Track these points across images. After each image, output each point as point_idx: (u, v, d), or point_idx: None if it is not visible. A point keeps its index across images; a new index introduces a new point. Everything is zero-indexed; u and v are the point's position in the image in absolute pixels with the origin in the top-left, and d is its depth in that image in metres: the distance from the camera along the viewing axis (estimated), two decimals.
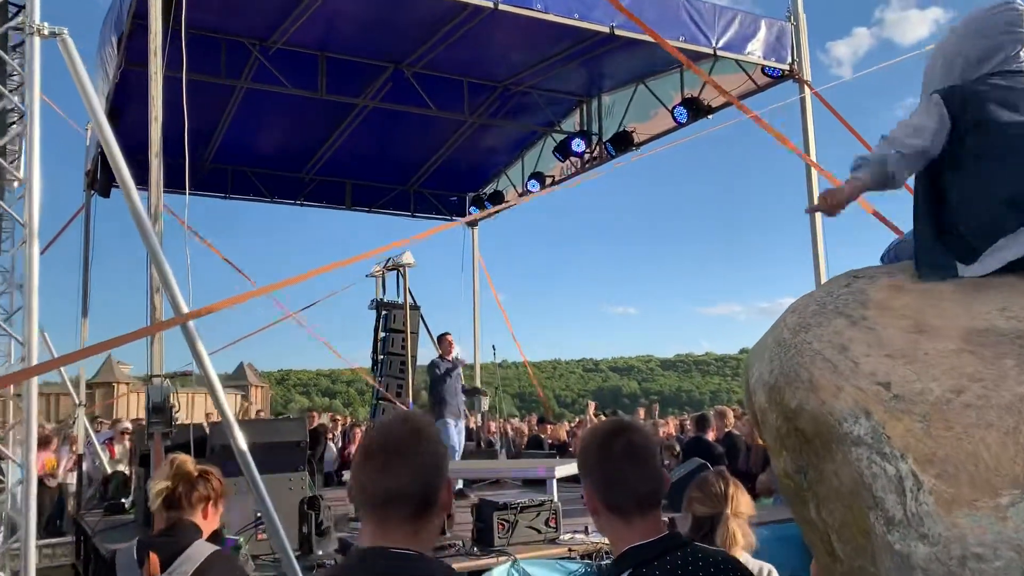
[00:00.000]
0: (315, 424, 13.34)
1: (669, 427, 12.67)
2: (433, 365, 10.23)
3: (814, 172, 7.99)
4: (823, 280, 7.92)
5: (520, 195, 12.75)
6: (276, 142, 12.19)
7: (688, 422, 14.18)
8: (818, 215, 7.93)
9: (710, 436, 9.34)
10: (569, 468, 8.60)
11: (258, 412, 20.00)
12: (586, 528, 6.21)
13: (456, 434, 10.23)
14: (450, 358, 10.27)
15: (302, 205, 13.38)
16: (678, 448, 10.33)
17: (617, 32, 7.21)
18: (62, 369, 12.00)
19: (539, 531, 6.12)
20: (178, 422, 5.52)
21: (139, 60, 7.19)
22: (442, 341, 10.39)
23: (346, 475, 9.57)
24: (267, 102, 10.81)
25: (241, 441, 4.45)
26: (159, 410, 5.14)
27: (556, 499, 6.53)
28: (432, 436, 1.72)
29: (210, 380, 4.48)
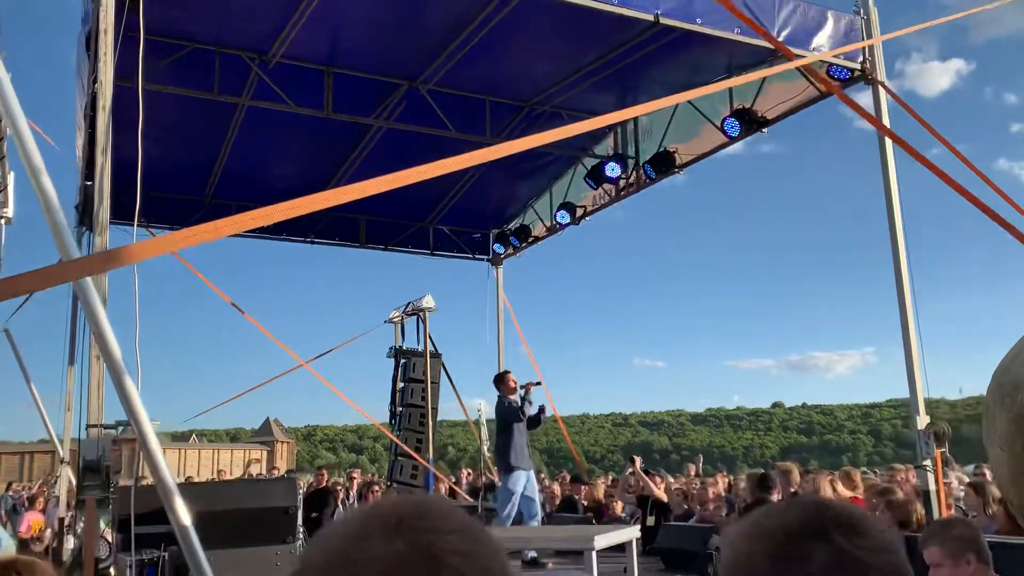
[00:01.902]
0: (324, 483, 12.14)
1: (718, 486, 11.26)
2: (504, 402, 8.70)
3: (896, 203, 6.80)
4: (912, 327, 6.66)
5: (548, 228, 11.66)
6: (283, 175, 11.25)
7: (742, 481, 12.78)
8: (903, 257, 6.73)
9: (774, 498, 8.01)
10: (612, 537, 7.33)
11: (272, 469, 18.77)
12: None
13: (534, 489, 8.68)
14: (515, 398, 8.77)
15: (313, 243, 12.39)
16: (725, 512, 9.03)
17: (663, 21, 6.15)
18: (48, 421, 11.02)
19: None
20: (119, 484, 4.39)
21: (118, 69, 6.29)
22: (506, 380, 8.84)
23: None
24: (272, 130, 9.92)
25: (181, 513, 3.29)
26: (93, 469, 4.00)
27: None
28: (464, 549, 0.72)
29: (135, 418, 3.33)
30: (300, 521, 5.67)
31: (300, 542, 5.98)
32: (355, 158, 10.68)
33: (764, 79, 8.26)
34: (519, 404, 8.55)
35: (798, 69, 7.90)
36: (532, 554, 7.96)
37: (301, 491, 7.08)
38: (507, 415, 8.58)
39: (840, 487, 8.95)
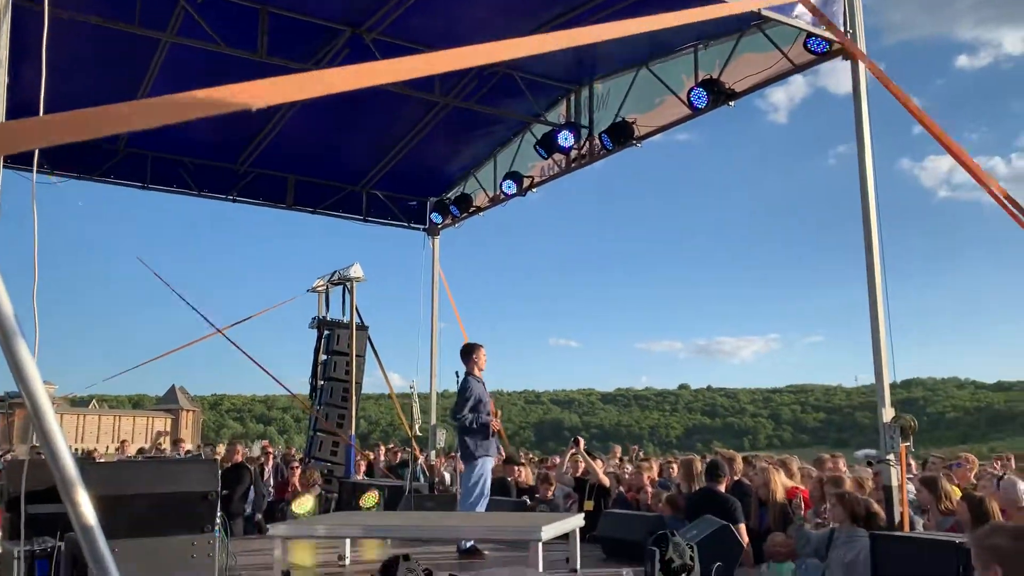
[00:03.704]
0: (239, 458, 11.28)
1: (652, 470, 10.94)
2: (471, 382, 7.97)
3: (870, 185, 6.47)
4: (882, 318, 6.35)
5: (491, 199, 11.08)
6: (206, 124, 10.31)
7: (675, 465, 12.52)
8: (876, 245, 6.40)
9: (722, 487, 7.71)
10: (558, 527, 6.88)
11: (177, 441, 17.70)
12: None
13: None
14: (479, 375, 8.13)
15: (235, 201, 11.48)
16: (664, 498, 8.68)
17: None
18: None
19: None
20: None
21: None
22: (478, 353, 8.14)
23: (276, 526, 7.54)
24: (197, 72, 9.01)
25: (84, 510, 2.61)
26: None
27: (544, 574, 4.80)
28: None
29: (29, 390, 2.62)
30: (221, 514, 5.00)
31: (219, 530, 5.31)
32: (287, 109, 9.86)
33: (733, 50, 7.88)
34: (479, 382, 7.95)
35: (767, 36, 7.55)
36: (469, 543, 7.47)
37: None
38: (466, 391, 7.94)
39: (781, 476, 8.75)
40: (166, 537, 4.86)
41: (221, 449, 14.43)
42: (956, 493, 7.87)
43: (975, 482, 8.64)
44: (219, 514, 5.44)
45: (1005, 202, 4.70)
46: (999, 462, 9.52)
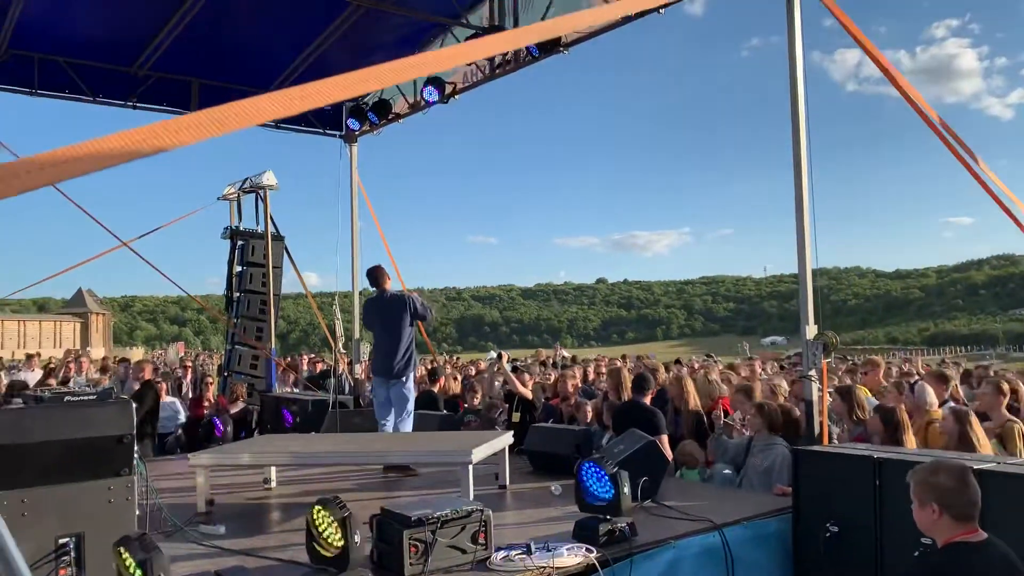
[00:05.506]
0: (145, 375, 10.82)
1: (576, 378, 11.00)
2: (413, 301, 8.08)
3: (800, 78, 6.39)
4: (807, 209, 6.34)
5: (412, 106, 10.59)
6: (99, 22, 9.47)
7: (599, 369, 12.69)
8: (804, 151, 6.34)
9: (647, 400, 7.83)
10: (488, 448, 6.86)
11: (79, 354, 16.97)
12: (529, 547, 4.51)
13: None
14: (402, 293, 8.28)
15: (135, 108, 10.67)
16: (588, 407, 8.80)
17: None
18: None
19: (464, 551, 4.46)
20: None
21: None
22: (385, 274, 8.25)
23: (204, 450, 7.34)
24: None
25: None
26: None
27: (476, 502, 4.79)
28: None
29: None
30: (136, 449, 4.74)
31: (137, 468, 5.08)
32: (188, 9, 9.10)
33: None
34: (419, 303, 8.03)
35: None
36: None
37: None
38: (412, 313, 8.05)
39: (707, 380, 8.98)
40: (80, 483, 4.61)
41: (137, 354, 13.95)
42: (867, 393, 8.23)
43: (885, 383, 9.02)
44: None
45: (940, 128, 4.68)
46: (907, 364, 9.96)
